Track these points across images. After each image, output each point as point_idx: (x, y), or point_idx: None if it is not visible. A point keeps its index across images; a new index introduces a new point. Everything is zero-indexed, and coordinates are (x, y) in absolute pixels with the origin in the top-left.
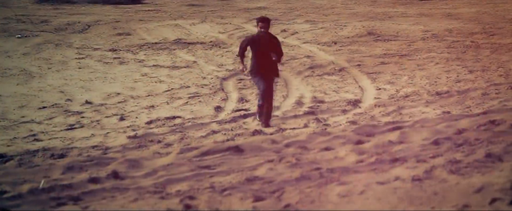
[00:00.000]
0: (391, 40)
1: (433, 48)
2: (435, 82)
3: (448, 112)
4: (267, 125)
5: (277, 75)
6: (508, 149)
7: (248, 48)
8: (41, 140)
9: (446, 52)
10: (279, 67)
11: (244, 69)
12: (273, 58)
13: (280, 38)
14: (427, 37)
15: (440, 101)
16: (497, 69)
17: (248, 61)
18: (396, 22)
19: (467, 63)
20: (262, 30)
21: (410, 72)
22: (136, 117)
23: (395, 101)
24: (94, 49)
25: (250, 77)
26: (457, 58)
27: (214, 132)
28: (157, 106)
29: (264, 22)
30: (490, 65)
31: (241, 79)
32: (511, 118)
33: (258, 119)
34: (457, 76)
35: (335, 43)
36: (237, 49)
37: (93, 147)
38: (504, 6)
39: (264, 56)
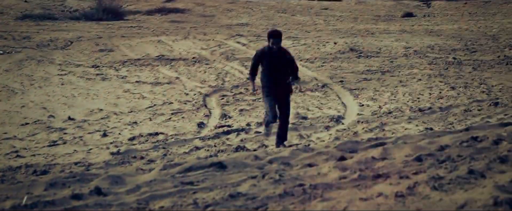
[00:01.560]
0: (373, 57)
1: (415, 65)
2: (418, 98)
3: (431, 129)
4: (280, 145)
5: (291, 91)
6: (490, 166)
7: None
8: (24, 157)
9: (428, 69)
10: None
11: (255, 89)
12: (288, 82)
13: None
14: (409, 54)
15: (422, 117)
16: (479, 86)
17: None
18: (378, 38)
19: (449, 79)
20: (274, 46)
21: (393, 89)
22: (119, 133)
23: (377, 117)
24: (77, 65)
25: (260, 95)
26: (439, 74)
27: (197, 148)
28: (140, 122)
29: (277, 37)
30: (472, 81)
31: (224, 95)
32: (494, 134)
33: (265, 134)
34: (440, 92)
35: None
36: (248, 67)
37: (76, 163)
38: (485, 22)
39: (276, 71)
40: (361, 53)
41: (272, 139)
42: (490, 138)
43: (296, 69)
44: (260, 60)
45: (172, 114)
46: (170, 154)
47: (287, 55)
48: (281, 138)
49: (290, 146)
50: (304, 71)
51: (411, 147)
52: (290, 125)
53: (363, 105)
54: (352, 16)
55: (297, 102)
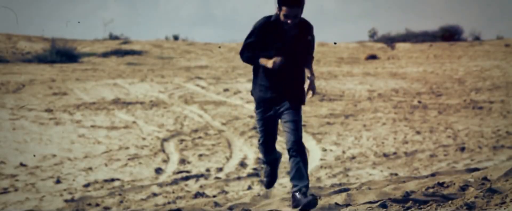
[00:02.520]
0: (336, 100)
1: (379, 108)
2: (382, 143)
3: (396, 174)
4: (303, 198)
5: (303, 101)
6: None
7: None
8: None
9: (393, 113)
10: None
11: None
12: (310, 95)
13: (221, 97)
14: (373, 97)
15: (387, 162)
16: (445, 130)
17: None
18: (341, 81)
19: (415, 123)
20: (288, 20)
21: (357, 133)
22: (73, 180)
23: (341, 162)
24: (29, 109)
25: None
26: (404, 118)
27: (154, 194)
28: (95, 168)
29: (294, 3)
30: (437, 126)
31: (182, 140)
32: (460, 180)
33: (264, 183)
34: (405, 137)
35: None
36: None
37: None
38: (451, 65)
39: (287, 65)
40: (324, 96)
41: (234, 184)
42: (457, 184)
43: (311, 57)
44: (261, 39)
45: (128, 159)
46: (126, 201)
47: (309, 35)
48: (300, 183)
49: (249, 189)
50: None
51: (376, 193)
52: (251, 170)
53: (326, 150)
54: (315, 58)
55: (257, 147)
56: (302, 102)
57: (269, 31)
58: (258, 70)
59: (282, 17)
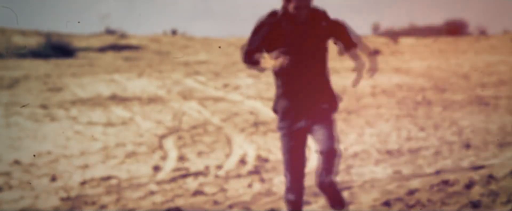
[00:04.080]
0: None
1: (382, 105)
2: (385, 140)
3: (399, 172)
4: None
5: (336, 107)
6: None
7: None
8: None
9: (396, 109)
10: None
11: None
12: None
13: (221, 93)
14: (376, 93)
15: (390, 160)
16: (449, 127)
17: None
18: (343, 77)
19: (418, 120)
20: (299, 12)
21: (359, 130)
22: (69, 177)
23: (343, 160)
24: (24, 105)
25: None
26: (408, 114)
27: (152, 193)
28: (92, 165)
29: None
30: (442, 122)
31: (181, 137)
32: (465, 178)
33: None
34: (408, 133)
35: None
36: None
37: (23, 210)
38: (456, 60)
39: (305, 65)
40: None
41: (234, 182)
42: (462, 181)
43: (352, 42)
44: (267, 39)
45: (125, 156)
46: (123, 199)
47: (323, 21)
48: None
49: (249, 187)
50: (265, 111)
51: (379, 191)
52: (251, 168)
53: None
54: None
55: (259, 144)
56: (334, 107)
57: (276, 28)
58: (278, 78)
59: (291, 9)
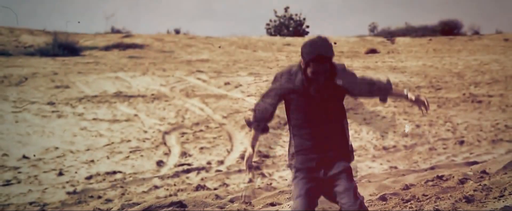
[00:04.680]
0: None
1: (379, 102)
2: (382, 136)
3: (395, 167)
4: None
5: (350, 158)
6: (456, 206)
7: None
8: None
9: (392, 106)
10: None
11: (251, 166)
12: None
13: (222, 91)
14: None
15: (387, 156)
16: (444, 124)
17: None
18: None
19: (414, 117)
20: (316, 77)
21: (357, 126)
22: (75, 172)
23: None
24: (32, 102)
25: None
26: (404, 112)
27: (156, 187)
28: (97, 160)
29: (323, 61)
30: (437, 119)
31: (183, 133)
32: (459, 173)
33: None
34: (404, 130)
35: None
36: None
37: (31, 203)
38: (450, 60)
39: (323, 122)
40: None
41: (235, 177)
42: (456, 177)
43: (383, 88)
44: (282, 97)
45: (130, 152)
46: (128, 194)
47: (339, 79)
48: None
49: (250, 182)
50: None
51: (376, 186)
52: (251, 164)
53: None
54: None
55: (259, 140)
56: (351, 160)
57: (290, 89)
58: (295, 132)
59: (309, 74)
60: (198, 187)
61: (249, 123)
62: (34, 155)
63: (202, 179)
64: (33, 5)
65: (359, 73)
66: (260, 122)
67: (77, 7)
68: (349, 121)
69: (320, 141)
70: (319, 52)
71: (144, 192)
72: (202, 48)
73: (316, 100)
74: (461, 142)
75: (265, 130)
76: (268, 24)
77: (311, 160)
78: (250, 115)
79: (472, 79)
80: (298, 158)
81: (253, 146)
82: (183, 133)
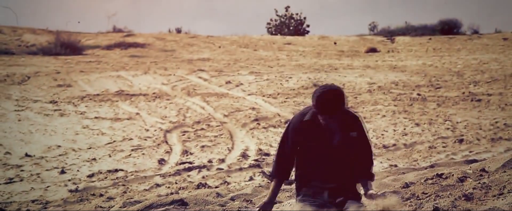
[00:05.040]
0: None
1: (379, 101)
2: (382, 135)
3: (395, 166)
4: None
5: (359, 197)
6: (455, 204)
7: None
8: None
9: (392, 105)
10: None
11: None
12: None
13: (224, 89)
14: (373, 90)
15: (386, 154)
16: (444, 122)
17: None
18: (341, 74)
19: (414, 116)
20: (325, 121)
21: None
22: (77, 170)
23: None
24: (34, 101)
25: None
26: (404, 110)
27: (157, 185)
28: (99, 159)
29: (331, 109)
30: (437, 118)
31: (185, 131)
32: (459, 171)
33: None
34: (404, 129)
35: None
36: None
37: (33, 201)
38: (450, 59)
39: (331, 166)
40: None
41: (236, 175)
42: (455, 175)
43: (369, 160)
44: (297, 144)
45: (132, 150)
46: (130, 192)
47: (354, 130)
48: None
49: (251, 180)
50: (266, 107)
51: (375, 184)
52: (252, 161)
53: None
54: (315, 51)
55: (260, 138)
56: (358, 198)
57: (305, 133)
58: (304, 166)
59: (321, 120)
60: (199, 185)
61: (271, 176)
62: (34, 155)
63: (203, 177)
64: (35, 4)
65: (358, 71)
66: (283, 175)
67: (79, 7)
68: None
69: (333, 175)
70: (324, 111)
71: (145, 190)
72: (203, 47)
73: (329, 149)
74: (461, 141)
75: (286, 178)
76: (268, 23)
77: (317, 186)
78: (266, 169)
79: (471, 78)
80: (309, 189)
81: (275, 195)
82: (185, 132)
